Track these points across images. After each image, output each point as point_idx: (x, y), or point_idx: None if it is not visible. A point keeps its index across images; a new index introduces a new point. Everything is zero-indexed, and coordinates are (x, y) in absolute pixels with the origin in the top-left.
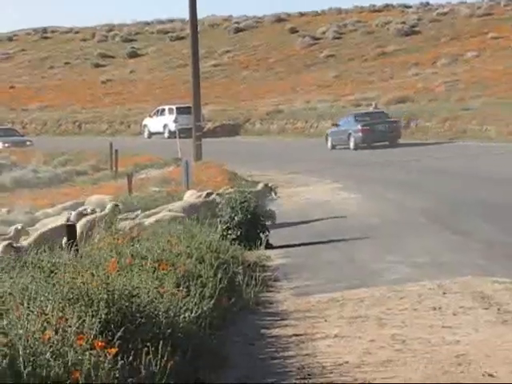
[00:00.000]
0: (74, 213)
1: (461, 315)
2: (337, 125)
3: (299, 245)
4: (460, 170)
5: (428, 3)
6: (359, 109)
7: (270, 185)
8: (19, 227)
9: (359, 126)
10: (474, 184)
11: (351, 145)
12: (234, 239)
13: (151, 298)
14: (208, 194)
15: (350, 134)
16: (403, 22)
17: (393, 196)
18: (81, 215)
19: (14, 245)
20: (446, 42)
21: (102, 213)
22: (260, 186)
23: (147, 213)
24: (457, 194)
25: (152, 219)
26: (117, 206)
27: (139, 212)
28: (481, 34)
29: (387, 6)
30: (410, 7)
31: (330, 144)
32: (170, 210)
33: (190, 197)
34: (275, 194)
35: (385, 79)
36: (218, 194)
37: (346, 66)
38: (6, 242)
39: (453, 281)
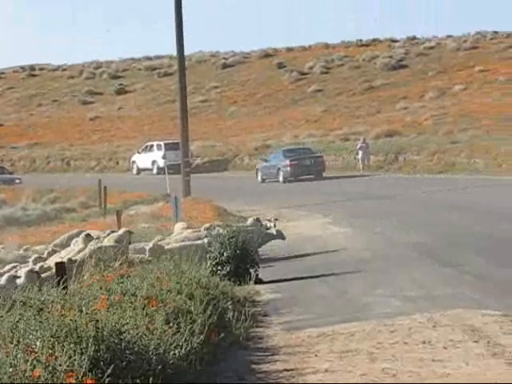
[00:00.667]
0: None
1: (451, 348)
2: (266, 160)
3: (289, 279)
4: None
5: (415, 37)
6: (348, 143)
7: (268, 218)
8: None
9: (288, 161)
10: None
11: (280, 178)
12: (223, 275)
13: (141, 335)
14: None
15: (279, 168)
16: (390, 57)
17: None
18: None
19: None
20: (433, 75)
21: (114, 238)
22: (249, 221)
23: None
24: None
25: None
26: (130, 232)
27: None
28: (468, 68)
29: (374, 41)
30: (396, 41)
31: (260, 178)
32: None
33: (182, 230)
34: (274, 225)
35: (373, 113)
36: (207, 229)
37: (334, 100)
38: (28, 268)
39: (443, 314)
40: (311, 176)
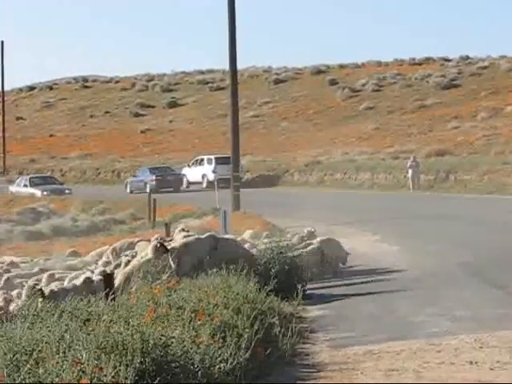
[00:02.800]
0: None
1: (498, 370)
2: (135, 175)
3: (337, 296)
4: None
5: (468, 57)
6: (398, 161)
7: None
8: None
9: (153, 177)
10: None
11: (147, 190)
12: (270, 290)
13: (187, 349)
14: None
15: (146, 182)
16: (443, 76)
17: None
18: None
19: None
20: (485, 95)
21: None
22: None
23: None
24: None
25: None
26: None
27: None
28: None
29: (427, 60)
30: (449, 61)
31: (128, 189)
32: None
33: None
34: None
35: (424, 132)
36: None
37: (386, 118)
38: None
39: (490, 335)
40: (171, 189)
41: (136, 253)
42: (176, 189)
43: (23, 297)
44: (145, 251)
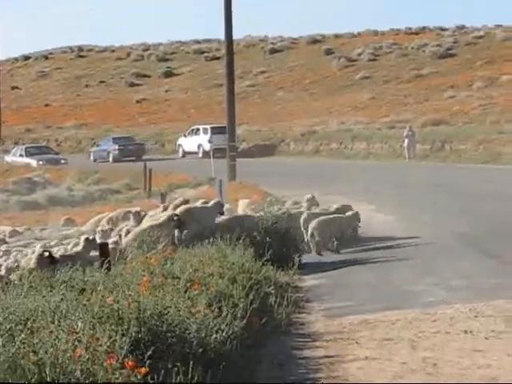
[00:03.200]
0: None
1: (492, 339)
2: (98, 145)
3: (333, 265)
4: None
5: (464, 26)
6: (394, 131)
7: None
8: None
9: (116, 146)
10: None
11: (110, 159)
12: (266, 260)
13: (182, 318)
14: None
15: (109, 152)
16: (439, 45)
17: None
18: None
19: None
20: (481, 65)
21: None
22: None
23: None
24: None
25: None
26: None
27: None
28: None
29: (423, 29)
30: (445, 30)
31: (92, 158)
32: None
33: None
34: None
35: (420, 101)
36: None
37: (382, 88)
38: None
39: (485, 304)
40: (133, 158)
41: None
42: (138, 158)
43: (32, 264)
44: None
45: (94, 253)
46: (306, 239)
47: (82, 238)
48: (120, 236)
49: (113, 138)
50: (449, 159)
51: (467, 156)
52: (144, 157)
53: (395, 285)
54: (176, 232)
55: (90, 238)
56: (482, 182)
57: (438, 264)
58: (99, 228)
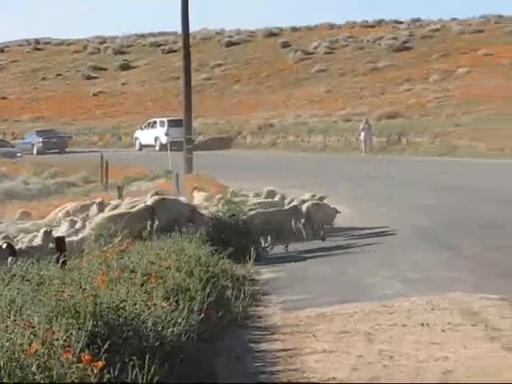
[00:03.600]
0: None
1: (449, 331)
2: (23, 138)
3: (290, 258)
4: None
5: (419, 19)
6: (350, 124)
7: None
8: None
9: (40, 139)
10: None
11: (34, 152)
12: (223, 253)
13: (139, 311)
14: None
15: (33, 144)
16: (395, 38)
17: None
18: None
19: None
20: (437, 58)
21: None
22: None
23: None
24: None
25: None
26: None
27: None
28: (472, 51)
29: (379, 22)
30: (401, 23)
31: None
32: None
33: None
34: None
35: (376, 94)
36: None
37: (338, 80)
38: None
39: (442, 297)
40: (57, 150)
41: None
42: (61, 150)
43: None
44: None
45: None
46: (302, 228)
47: (42, 230)
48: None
49: (36, 131)
50: (405, 152)
51: (423, 149)
52: (67, 149)
53: (353, 277)
54: (149, 222)
55: (48, 230)
56: (438, 174)
57: (395, 256)
58: (58, 220)
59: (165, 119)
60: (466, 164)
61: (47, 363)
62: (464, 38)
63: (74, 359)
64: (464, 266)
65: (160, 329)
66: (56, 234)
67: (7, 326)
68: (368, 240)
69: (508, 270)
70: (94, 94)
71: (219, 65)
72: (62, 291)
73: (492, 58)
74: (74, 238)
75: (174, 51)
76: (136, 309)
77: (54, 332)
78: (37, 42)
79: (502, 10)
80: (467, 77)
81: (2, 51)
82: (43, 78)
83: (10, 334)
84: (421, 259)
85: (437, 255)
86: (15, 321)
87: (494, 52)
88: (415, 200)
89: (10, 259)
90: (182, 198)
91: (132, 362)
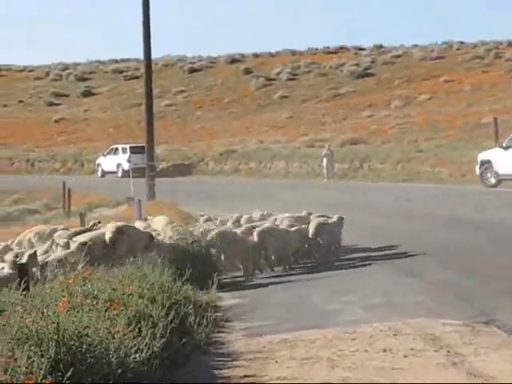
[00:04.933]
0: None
1: (412, 357)
2: None
3: (253, 285)
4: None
5: (381, 46)
6: (313, 150)
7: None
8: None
9: None
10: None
11: None
12: (186, 279)
13: (102, 338)
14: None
15: None
16: (357, 64)
17: None
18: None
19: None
20: (399, 84)
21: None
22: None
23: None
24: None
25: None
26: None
27: None
28: (434, 77)
29: (341, 48)
30: (363, 49)
31: None
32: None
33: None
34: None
35: (338, 120)
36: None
37: (300, 107)
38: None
39: (404, 322)
40: None
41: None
42: None
43: None
44: None
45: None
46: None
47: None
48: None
49: None
50: (367, 178)
51: (385, 175)
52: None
53: (315, 303)
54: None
55: (13, 256)
56: (401, 200)
57: (358, 282)
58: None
59: (127, 146)
60: (428, 190)
61: None
62: (425, 64)
63: None
64: (427, 291)
65: (123, 356)
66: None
67: None
68: (328, 265)
69: (468, 295)
70: (56, 121)
71: (181, 91)
72: (24, 318)
73: (453, 85)
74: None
75: (137, 77)
76: (99, 336)
77: (16, 359)
78: None
79: (463, 36)
80: (428, 103)
81: None
82: (5, 105)
83: None
84: (383, 284)
85: (399, 280)
86: None
87: (456, 78)
88: (375, 224)
89: None
90: (143, 225)
91: None
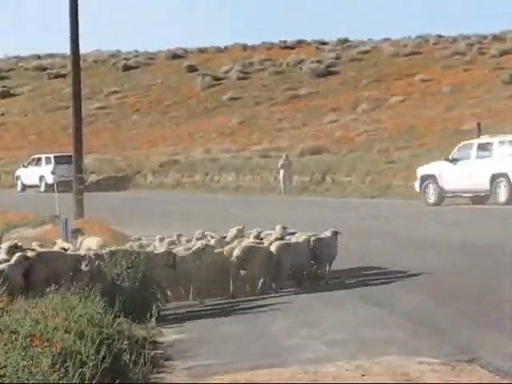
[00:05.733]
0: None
1: None
2: None
3: (196, 317)
4: None
5: (347, 40)
6: (268, 161)
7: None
8: None
9: None
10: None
11: None
12: (119, 311)
13: (22, 380)
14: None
15: None
16: (318, 61)
17: None
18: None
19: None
20: (367, 84)
21: None
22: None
23: None
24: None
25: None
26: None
27: None
28: (408, 76)
29: (300, 43)
30: (326, 44)
31: None
32: None
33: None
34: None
35: (297, 126)
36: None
37: (253, 110)
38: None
39: (373, 361)
40: None
41: None
42: None
43: None
44: None
45: None
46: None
47: None
48: None
49: None
50: (330, 193)
51: (352, 189)
52: None
53: (270, 338)
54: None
55: None
56: (367, 218)
57: (317, 314)
58: None
59: (51, 155)
60: (398, 206)
61: None
62: (398, 61)
63: None
64: (398, 325)
65: None
66: None
67: None
68: (282, 296)
69: (441, 326)
70: None
71: (115, 92)
72: None
73: (430, 85)
74: None
75: (63, 76)
76: (18, 377)
77: None
78: None
79: (441, 29)
80: (401, 106)
81: None
82: None
83: None
84: (347, 317)
85: (366, 312)
86: None
87: (433, 77)
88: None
89: None
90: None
91: None
